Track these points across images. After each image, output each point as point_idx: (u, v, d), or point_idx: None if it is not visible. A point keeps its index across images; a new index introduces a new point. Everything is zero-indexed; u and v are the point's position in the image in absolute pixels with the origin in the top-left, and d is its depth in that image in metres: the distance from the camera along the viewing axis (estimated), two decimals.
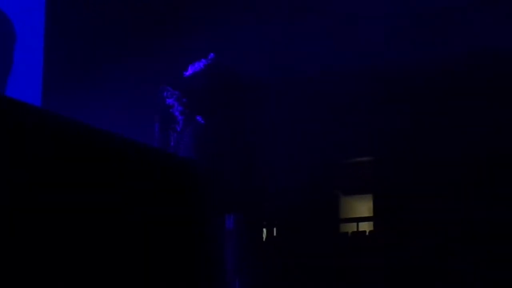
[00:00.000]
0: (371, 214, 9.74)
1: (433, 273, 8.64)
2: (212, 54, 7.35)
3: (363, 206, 10.05)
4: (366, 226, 9.81)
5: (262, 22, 9.25)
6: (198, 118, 7.03)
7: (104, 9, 10.11)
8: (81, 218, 4.74)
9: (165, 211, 5.56)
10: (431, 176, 8.94)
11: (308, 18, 9.27)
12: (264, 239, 9.64)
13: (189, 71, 7.35)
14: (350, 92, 9.40)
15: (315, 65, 9.33)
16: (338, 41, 9.32)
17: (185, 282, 5.65)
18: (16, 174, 4.33)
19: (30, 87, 9.74)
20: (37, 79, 9.75)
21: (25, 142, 4.40)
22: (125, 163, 5.26)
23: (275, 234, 9.90)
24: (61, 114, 4.84)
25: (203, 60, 7.34)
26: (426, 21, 9.20)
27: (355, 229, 9.77)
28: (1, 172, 4.21)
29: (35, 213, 4.42)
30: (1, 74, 8.89)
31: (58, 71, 10.01)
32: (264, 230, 9.66)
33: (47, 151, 4.53)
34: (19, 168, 4.34)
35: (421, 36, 9.18)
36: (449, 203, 8.68)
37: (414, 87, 9.20)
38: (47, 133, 4.59)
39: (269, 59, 9.36)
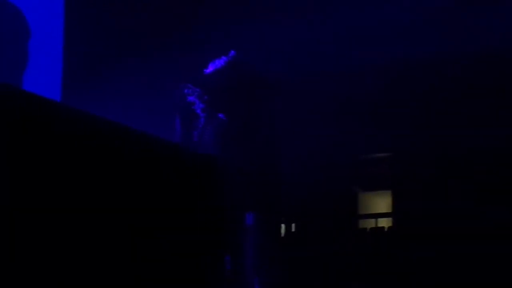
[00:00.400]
0: (389, 210, 9.76)
1: (451, 270, 8.63)
2: (232, 51, 7.33)
3: (382, 202, 10.05)
4: (385, 222, 9.83)
5: (282, 20, 9.26)
6: (219, 115, 7.02)
7: (125, 5, 10.12)
8: (101, 216, 4.74)
9: (185, 208, 5.56)
10: (451, 172, 8.93)
11: (327, 16, 9.27)
12: (282, 235, 9.65)
13: (210, 68, 7.33)
14: (369, 89, 9.40)
15: (334, 62, 9.33)
16: (355, 39, 9.32)
17: (205, 279, 5.64)
18: (35, 169, 4.32)
19: (49, 84, 9.76)
20: (57, 76, 9.77)
21: (45, 136, 4.40)
22: (145, 159, 5.26)
23: (293, 230, 9.93)
24: (80, 109, 4.84)
25: (223, 57, 7.32)
26: (443, 17, 9.17)
27: (374, 225, 9.80)
28: (19, 168, 4.21)
29: (60, 212, 4.43)
30: (16, 70, 8.85)
31: (77, 67, 10.03)
32: (283, 226, 9.68)
33: (67, 146, 4.53)
34: (38, 163, 4.34)
35: (440, 32, 9.15)
36: (469, 200, 8.67)
37: (434, 83, 9.18)
38: (66, 127, 4.59)
39: (289, 57, 9.37)
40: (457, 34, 8.95)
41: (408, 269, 8.88)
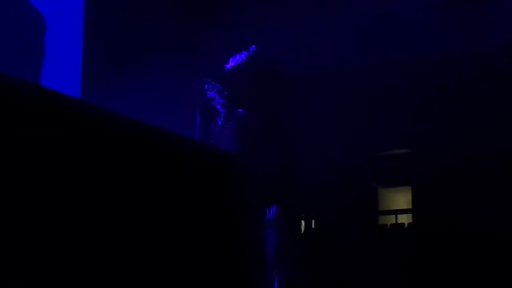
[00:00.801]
0: (409, 206, 9.71)
1: (472, 266, 8.58)
2: (253, 46, 7.31)
3: (402, 198, 10.01)
4: (404, 218, 9.79)
5: (303, 16, 9.23)
6: (239, 111, 7.00)
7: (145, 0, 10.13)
8: (121, 210, 4.74)
9: (205, 203, 5.56)
10: (471, 168, 8.88)
11: (348, 11, 9.24)
12: (302, 231, 9.64)
13: (230, 63, 7.31)
14: (388, 84, 9.36)
15: (353, 58, 9.30)
16: (376, 34, 9.28)
17: (225, 276, 5.64)
18: (57, 163, 4.32)
19: (69, 79, 9.79)
20: (77, 71, 9.79)
21: (64, 132, 4.40)
22: (165, 155, 5.26)
23: (313, 226, 9.91)
24: (100, 105, 4.85)
25: (244, 52, 7.30)
26: (467, 13, 9.11)
27: (394, 221, 9.76)
28: (38, 164, 4.21)
29: (77, 206, 4.43)
30: (32, 65, 8.83)
31: (97, 63, 10.04)
32: (303, 222, 9.66)
33: (86, 142, 4.54)
34: (57, 157, 4.34)
35: (461, 27, 9.09)
36: (490, 196, 8.62)
37: (454, 79, 9.13)
38: (86, 124, 4.59)
39: (308, 53, 9.34)
40: (480, 31, 8.89)
41: (429, 265, 8.84)
